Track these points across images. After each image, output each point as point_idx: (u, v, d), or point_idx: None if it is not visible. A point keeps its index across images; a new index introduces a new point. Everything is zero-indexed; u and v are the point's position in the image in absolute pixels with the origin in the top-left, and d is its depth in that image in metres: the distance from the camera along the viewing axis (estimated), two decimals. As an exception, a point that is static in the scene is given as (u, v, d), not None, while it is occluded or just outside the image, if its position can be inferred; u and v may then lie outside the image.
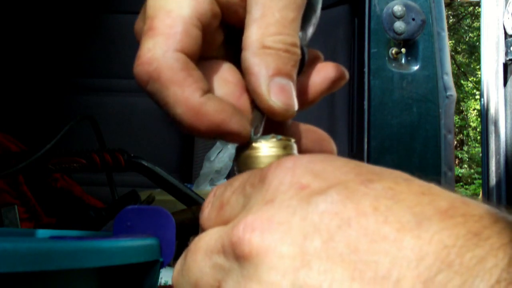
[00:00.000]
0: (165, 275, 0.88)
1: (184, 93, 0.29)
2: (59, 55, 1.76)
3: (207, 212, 0.28)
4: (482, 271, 0.19)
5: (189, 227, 0.93)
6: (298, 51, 0.32)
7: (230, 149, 1.49)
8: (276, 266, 0.21)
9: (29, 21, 1.74)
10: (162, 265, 0.44)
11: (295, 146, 0.31)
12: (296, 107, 0.31)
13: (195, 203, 1.00)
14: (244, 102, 0.32)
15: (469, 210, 0.21)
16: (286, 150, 0.30)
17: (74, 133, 0.99)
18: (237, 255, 0.22)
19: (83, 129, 1.10)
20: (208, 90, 0.30)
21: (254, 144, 0.31)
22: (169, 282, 0.88)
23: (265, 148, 0.30)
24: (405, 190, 0.22)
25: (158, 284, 0.79)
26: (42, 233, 0.50)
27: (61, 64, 1.76)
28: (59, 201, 1.21)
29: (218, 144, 1.53)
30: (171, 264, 0.93)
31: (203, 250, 0.25)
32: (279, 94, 0.30)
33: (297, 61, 0.32)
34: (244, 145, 0.31)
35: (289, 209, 0.22)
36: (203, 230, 0.27)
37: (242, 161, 0.31)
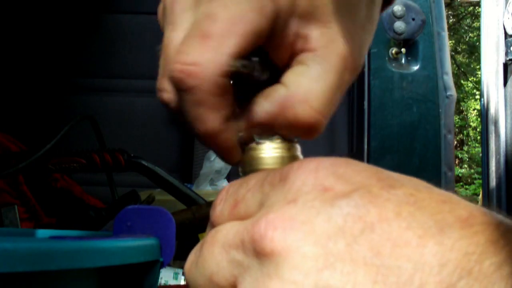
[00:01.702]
0: (165, 275, 0.88)
1: (209, 117, 0.29)
2: (59, 55, 1.76)
3: (220, 208, 0.27)
4: (499, 278, 0.19)
5: (189, 227, 0.93)
6: (325, 122, 0.30)
7: (230, 149, 1.50)
8: (299, 265, 0.21)
9: (29, 21, 1.74)
10: (162, 265, 0.44)
11: (299, 148, 0.31)
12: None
13: (195, 203, 1.00)
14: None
15: (487, 219, 0.21)
16: (290, 152, 0.31)
17: (74, 133, 0.99)
18: (257, 252, 0.22)
19: (83, 129, 1.10)
20: (230, 115, 0.30)
21: (258, 145, 0.31)
22: (169, 282, 0.88)
23: (270, 149, 0.30)
24: (426, 197, 0.22)
25: (158, 284, 0.79)
26: (42, 233, 0.50)
27: (61, 64, 1.76)
28: (59, 201, 1.21)
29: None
30: (171, 264, 0.93)
31: (220, 243, 0.25)
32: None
33: (318, 132, 0.31)
34: (248, 146, 0.31)
35: (313, 210, 0.22)
36: (214, 226, 0.27)
37: (247, 162, 0.31)
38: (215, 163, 1.50)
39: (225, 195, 0.28)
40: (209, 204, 0.96)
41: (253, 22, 0.28)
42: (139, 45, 1.74)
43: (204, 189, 1.45)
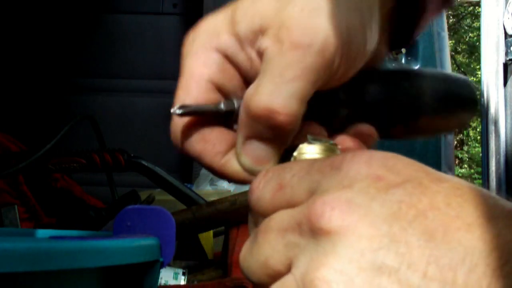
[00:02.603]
0: (165, 275, 0.88)
1: (211, 159, 0.33)
2: (59, 55, 1.76)
3: (260, 191, 0.28)
4: None
5: (189, 227, 0.93)
6: (284, 117, 0.30)
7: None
8: (355, 245, 0.23)
9: (29, 21, 1.74)
10: (162, 265, 0.44)
11: (339, 152, 0.31)
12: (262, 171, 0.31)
13: (195, 203, 1.00)
14: None
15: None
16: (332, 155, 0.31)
17: (74, 133, 0.99)
18: (314, 232, 0.24)
19: (83, 129, 1.10)
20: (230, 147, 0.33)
21: (302, 148, 0.31)
22: (169, 282, 0.88)
23: (312, 153, 0.31)
24: (470, 191, 0.24)
25: (158, 284, 0.79)
26: (42, 233, 0.50)
27: (61, 64, 1.76)
28: (59, 201, 1.21)
29: (218, 144, 1.53)
30: (171, 264, 0.93)
31: (275, 229, 0.26)
32: (248, 156, 0.32)
33: (280, 127, 0.30)
34: (291, 147, 0.32)
35: (368, 195, 0.24)
36: (254, 209, 0.28)
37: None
38: (215, 163, 1.50)
39: (264, 178, 0.28)
40: (209, 204, 0.96)
41: (198, 79, 0.33)
42: (139, 45, 1.74)
43: (204, 189, 1.45)
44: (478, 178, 7.84)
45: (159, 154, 1.66)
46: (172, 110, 0.32)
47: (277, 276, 0.25)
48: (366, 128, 0.35)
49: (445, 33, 1.50)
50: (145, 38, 1.74)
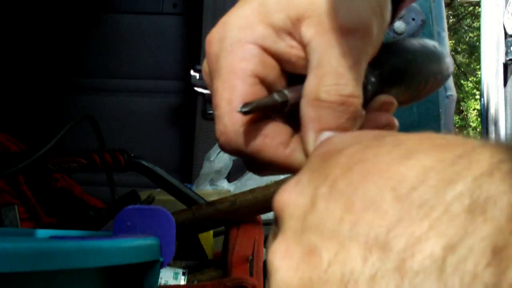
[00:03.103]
0: (165, 275, 0.88)
1: (274, 152, 0.33)
2: (59, 55, 1.76)
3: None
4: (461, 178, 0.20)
5: (189, 227, 0.93)
6: (357, 100, 0.31)
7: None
8: (294, 214, 0.25)
9: (29, 21, 1.74)
10: (162, 265, 0.44)
11: None
12: None
13: (195, 203, 1.00)
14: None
15: (463, 143, 0.22)
16: None
17: (74, 133, 0.99)
18: (276, 216, 0.27)
19: (83, 129, 1.10)
20: (289, 139, 0.33)
21: None
22: (169, 282, 0.88)
23: None
24: (412, 138, 0.23)
25: (158, 284, 0.79)
26: (42, 233, 0.50)
27: (61, 64, 1.76)
28: (59, 201, 1.21)
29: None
30: (171, 264, 0.93)
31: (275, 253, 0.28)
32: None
33: (355, 112, 0.31)
34: None
35: (310, 170, 0.26)
36: None
37: None
38: (215, 163, 1.50)
39: None
40: (209, 204, 0.96)
41: (243, 75, 0.32)
42: (139, 45, 1.74)
43: (204, 189, 1.45)
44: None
45: (159, 154, 1.66)
46: (238, 110, 0.31)
47: None
48: (387, 98, 0.36)
49: (445, 33, 1.50)
50: (145, 38, 1.74)
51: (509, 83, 1.79)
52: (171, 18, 1.76)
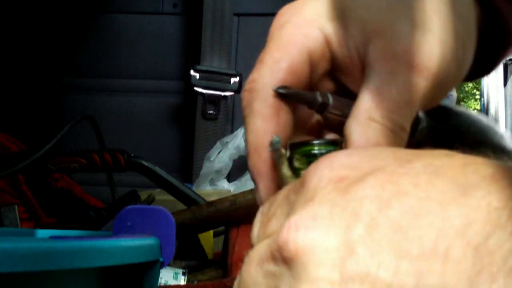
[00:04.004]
0: (165, 275, 0.88)
1: (260, 127, 0.31)
2: (59, 55, 1.76)
3: (256, 231, 0.27)
4: None
5: (189, 227, 0.93)
6: (405, 135, 0.30)
7: (230, 149, 1.49)
8: (323, 260, 0.21)
9: (29, 20, 1.74)
10: (162, 265, 0.44)
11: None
12: None
13: (195, 203, 1.00)
14: None
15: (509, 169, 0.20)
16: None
17: (74, 133, 0.99)
18: (285, 258, 0.22)
19: (83, 129, 1.10)
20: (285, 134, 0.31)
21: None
22: (169, 282, 0.88)
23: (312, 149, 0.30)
24: (446, 163, 0.21)
25: (158, 284, 0.79)
26: (42, 233, 0.50)
27: (61, 64, 1.76)
28: (59, 201, 1.21)
29: (218, 144, 1.53)
30: (171, 264, 0.93)
31: (255, 261, 0.24)
32: None
33: (400, 145, 0.30)
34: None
35: (329, 203, 0.22)
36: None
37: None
38: (215, 163, 1.50)
39: (259, 216, 0.27)
40: (209, 204, 0.96)
41: (300, 47, 0.31)
42: (139, 45, 1.74)
43: (204, 189, 1.45)
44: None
45: (159, 154, 1.66)
46: (274, 88, 0.30)
47: None
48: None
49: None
50: (145, 38, 1.74)
51: (509, 83, 1.79)
52: (171, 18, 1.76)
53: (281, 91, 0.30)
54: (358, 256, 0.20)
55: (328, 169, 0.23)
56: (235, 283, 0.27)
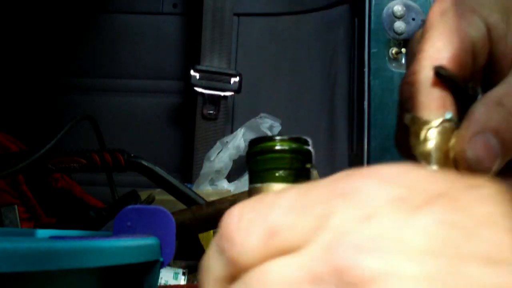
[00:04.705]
0: (165, 275, 0.88)
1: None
2: (59, 55, 1.76)
3: (244, 241, 0.23)
4: None
5: (189, 227, 0.93)
6: None
7: (230, 149, 1.49)
8: None
9: (29, 20, 1.74)
10: (162, 265, 0.44)
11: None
12: (490, 169, 0.30)
13: (195, 203, 1.00)
14: None
15: None
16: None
17: (74, 133, 0.99)
18: (348, 283, 0.18)
19: (83, 129, 1.10)
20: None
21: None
22: (169, 282, 0.88)
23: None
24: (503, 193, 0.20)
25: (158, 284, 0.79)
26: (42, 233, 0.50)
27: (61, 64, 1.76)
28: (59, 201, 1.21)
29: (218, 144, 1.53)
30: (171, 264, 0.93)
31: (278, 285, 0.20)
32: (478, 148, 0.29)
33: None
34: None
35: (398, 224, 0.19)
36: (236, 263, 0.22)
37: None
38: (215, 163, 1.50)
39: (240, 220, 0.23)
40: (209, 204, 0.96)
41: (463, 36, 0.30)
42: (139, 45, 1.74)
43: (204, 189, 1.45)
44: (478, 178, 7.81)
45: (159, 154, 1.66)
46: (434, 66, 0.30)
47: None
48: None
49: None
50: (145, 38, 1.74)
51: (509, 83, 1.79)
52: (171, 18, 1.76)
53: (442, 72, 0.30)
54: (443, 286, 0.17)
55: (382, 185, 0.20)
56: None
